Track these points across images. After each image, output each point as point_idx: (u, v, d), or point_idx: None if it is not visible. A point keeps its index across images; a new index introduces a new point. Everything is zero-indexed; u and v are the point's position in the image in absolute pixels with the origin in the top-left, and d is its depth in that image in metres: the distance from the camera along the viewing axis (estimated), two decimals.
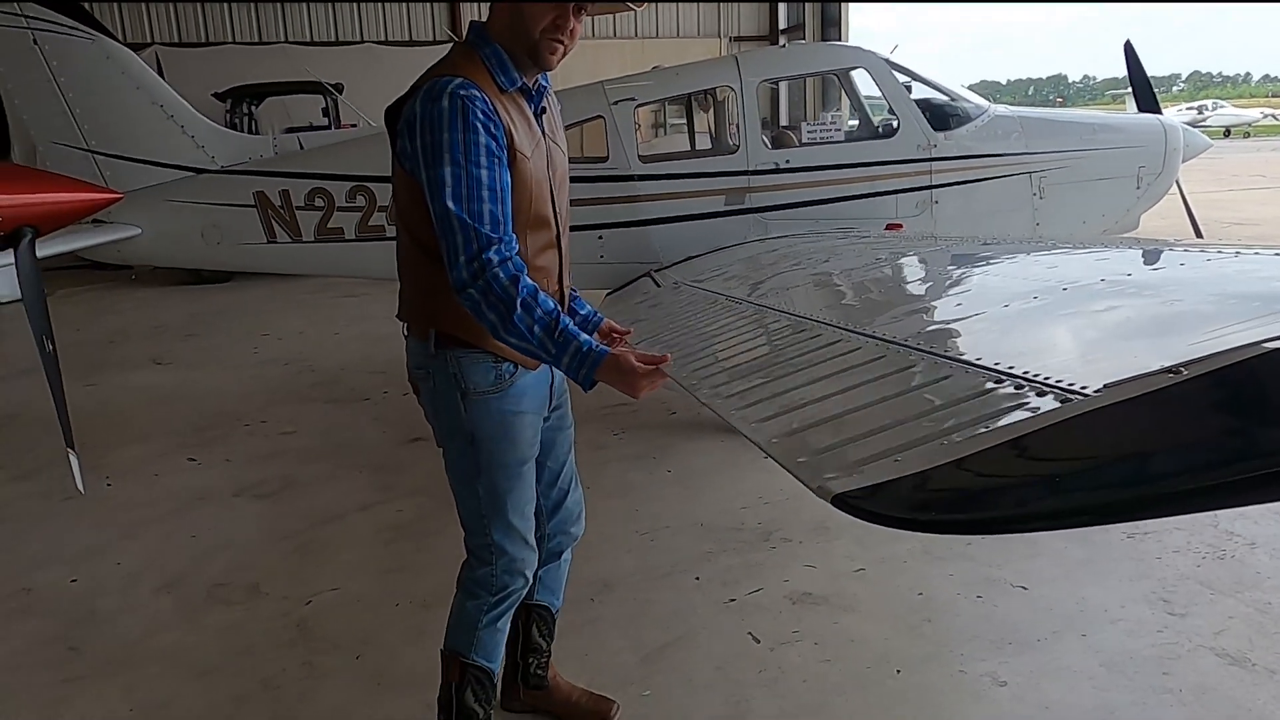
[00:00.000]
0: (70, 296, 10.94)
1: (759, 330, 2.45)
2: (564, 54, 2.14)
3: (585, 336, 1.99)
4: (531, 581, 2.42)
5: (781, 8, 17.49)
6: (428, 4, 15.88)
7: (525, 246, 2.14)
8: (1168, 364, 1.28)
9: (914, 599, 3.31)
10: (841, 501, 1.24)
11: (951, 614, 3.20)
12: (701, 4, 17.35)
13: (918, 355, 1.70)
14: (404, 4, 15.79)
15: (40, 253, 3.65)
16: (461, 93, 1.98)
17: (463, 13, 15.74)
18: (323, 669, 3.05)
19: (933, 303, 2.37)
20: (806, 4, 16.60)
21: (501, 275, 1.94)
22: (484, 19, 2.18)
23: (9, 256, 3.59)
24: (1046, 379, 1.40)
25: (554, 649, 2.75)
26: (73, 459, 3.47)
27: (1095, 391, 1.31)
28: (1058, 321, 1.86)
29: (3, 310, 9.19)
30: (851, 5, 16.41)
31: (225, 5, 14.91)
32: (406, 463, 5.01)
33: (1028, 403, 1.34)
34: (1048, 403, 1.32)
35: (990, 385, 1.45)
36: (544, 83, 2.24)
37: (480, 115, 1.98)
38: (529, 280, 1.98)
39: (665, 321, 3.14)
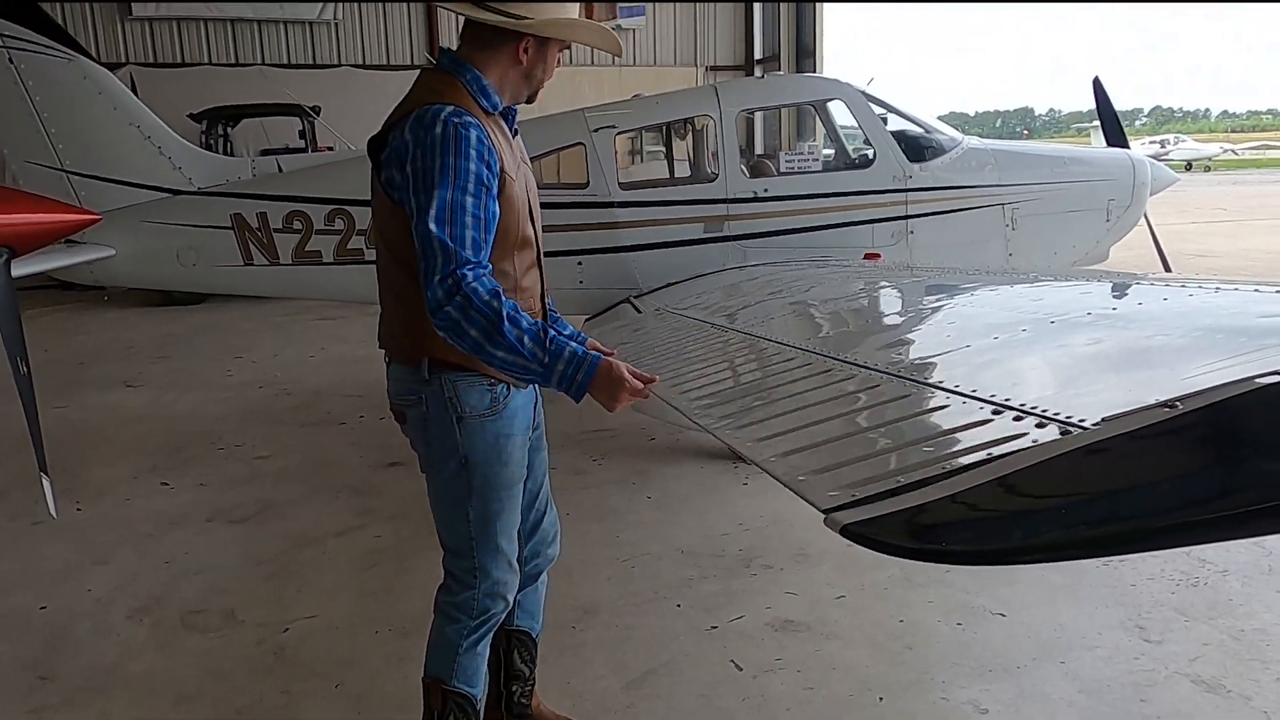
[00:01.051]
0: (40, 317, 10.78)
1: (749, 359, 2.47)
2: None
3: (576, 345, 2.00)
4: (511, 605, 2.42)
5: (757, 40, 17.74)
6: (406, 27, 15.93)
7: (514, 267, 2.18)
8: (1162, 398, 1.31)
9: (895, 626, 3.33)
10: (850, 533, 1.26)
11: (932, 641, 3.22)
12: (678, 32, 17.56)
13: (912, 386, 1.73)
14: (382, 27, 15.83)
15: (13, 273, 3.62)
16: (455, 119, 2.00)
17: (440, 35, 15.80)
18: (301, 696, 3.01)
19: (921, 334, 2.42)
20: (782, 3, 16.75)
21: (480, 289, 1.91)
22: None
23: None
24: (1045, 411, 1.43)
25: (537, 675, 2.74)
26: (45, 483, 3.40)
27: (1094, 424, 1.34)
28: (1049, 354, 1.89)
29: None
30: (825, 35, 16.66)
31: (201, 26, 14.85)
32: (384, 487, 4.98)
33: (1028, 434, 1.37)
34: (1049, 435, 1.35)
35: (989, 416, 1.47)
36: (513, 106, 2.30)
37: (474, 142, 2.00)
38: (510, 299, 1.98)
39: (651, 347, 3.15)
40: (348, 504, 4.74)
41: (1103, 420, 1.34)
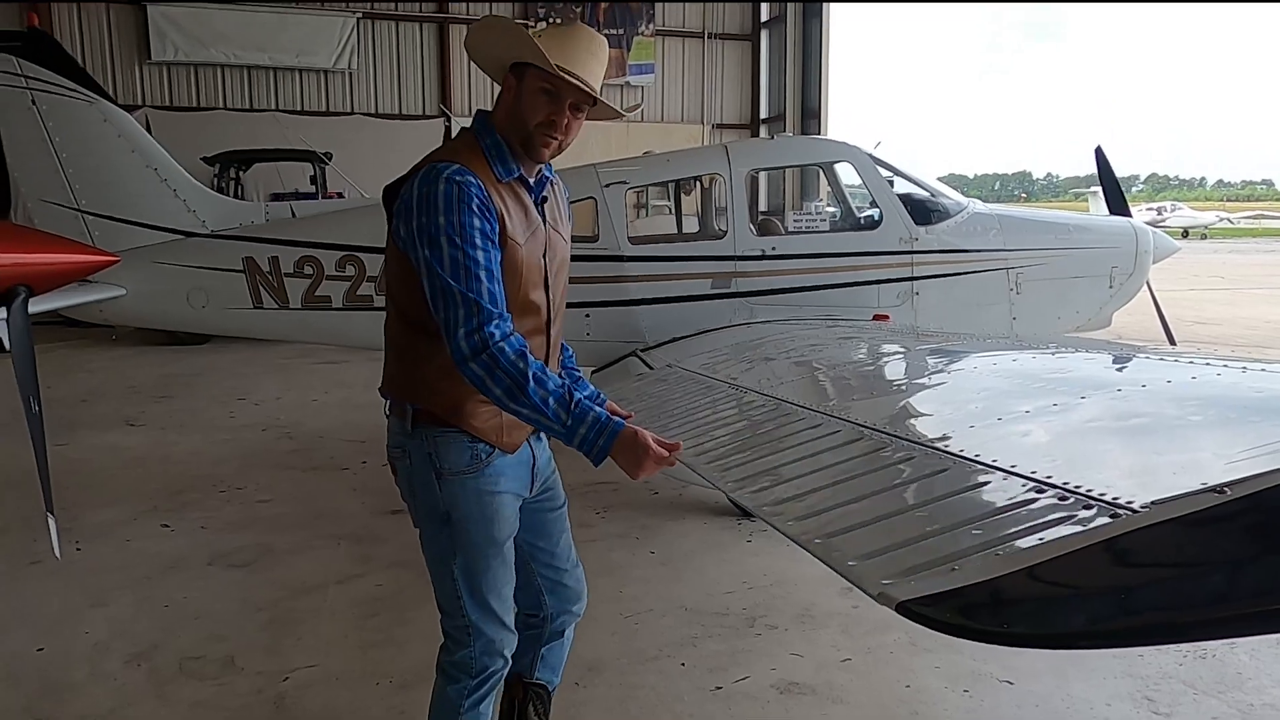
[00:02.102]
0: (43, 353, 10.73)
1: (776, 424, 2.47)
2: (558, 149, 2.23)
3: (600, 410, 2.03)
4: (508, 661, 2.39)
5: (763, 100, 18.06)
6: (419, 78, 16.20)
7: None
8: (1210, 483, 1.32)
9: (901, 691, 3.29)
10: (905, 609, 1.25)
11: (940, 708, 3.19)
12: (686, 90, 17.90)
13: (949, 459, 1.73)
14: (396, 78, 16.09)
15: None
16: (457, 178, 2.06)
17: (453, 87, 16.07)
18: None
19: (950, 404, 2.41)
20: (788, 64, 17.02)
21: (508, 349, 1.98)
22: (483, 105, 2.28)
23: None
24: (1089, 491, 1.43)
25: None
26: (51, 523, 3.39)
27: (1142, 508, 1.34)
28: (1083, 430, 1.90)
29: None
30: (830, 96, 16.95)
31: (218, 71, 15.11)
32: (385, 534, 4.94)
33: (1075, 515, 1.37)
34: (1097, 517, 1.35)
35: (1032, 494, 1.47)
36: (547, 173, 2.33)
37: (474, 200, 2.05)
38: (533, 356, 2.02)
39: (669, 408, 3.15)
40: (348, 551, 4.71)
41: (1152, 504, 1.34)
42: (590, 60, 2.17)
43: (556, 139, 2.18)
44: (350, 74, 15.72)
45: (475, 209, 2.04)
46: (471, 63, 2.28)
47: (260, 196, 12.64)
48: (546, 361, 2.33)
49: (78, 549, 4.70)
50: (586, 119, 2.25)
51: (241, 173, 13.01)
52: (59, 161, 6.03)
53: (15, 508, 5.17)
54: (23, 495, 4.91)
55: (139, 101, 14.40)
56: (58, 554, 3.36)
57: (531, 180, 2.26)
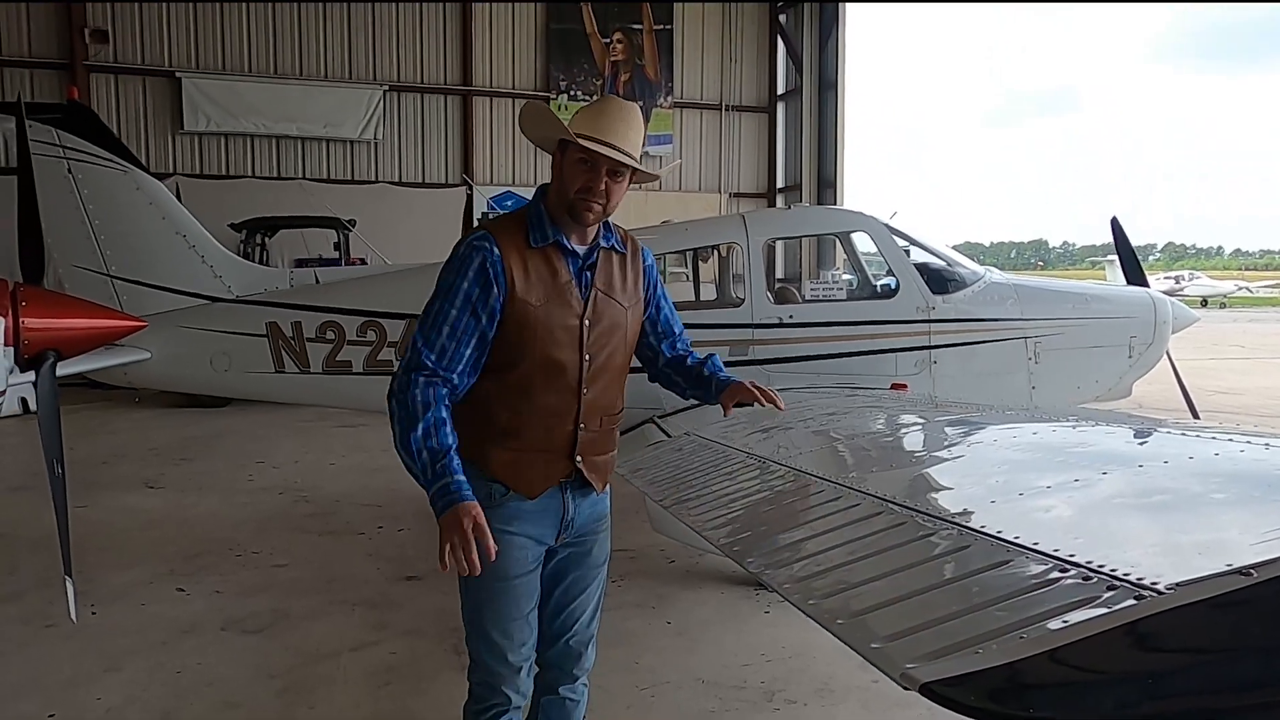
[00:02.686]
0: (66, 415, 10.84)
1: (793, 496, 2.46)
2: (602, 213, 2.33)
3: (460, 480, 2.15)
4: (514, 701, 2.44)
5: (779, 169, 18.33)
6: (443, 148, 16.54)
7: (533, 385, 2.31)
8: (1236, 564, 1.30)
9: None
10: (929, 691, 1.24)
11: None
12: (704, 159, 18.21)
13: (970, 536, 1.72)
14: (420, 148, 16.45)
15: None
16: (474, 243, 2.26)
17: (476, 159, 16.39)
18: None
19: (969, 476, 2.40)
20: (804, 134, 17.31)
21: (418, 395, 2.18)
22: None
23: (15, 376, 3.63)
24: (1113, 571, 1.42)
25: None
26: (69, 587, 3.39)
27: (1167, 589, 1.33)
28: (1105, 507, 1.88)
29: None
30: (846, 166, 17.20)
31: (247, 141, 15.51)
32: (400, 601, 4.91)
33: (1100, 596, 1.36)
34: (1121, 598, 1.34)
35: (1055, 574, 1.46)
36: (603, 242, 2.40)
37: (475, 265, 2.23)
38: (442, 413, 2.19)
39: (688, 479, 3.14)
40: (363, 618, 4.68)
41: (1177, 585, 1.33)
42: (623, 127, 2.29)
43: (598, 204, 2.29)
44: (376, 144, 16.09)
45: (471, 273, 2.23)
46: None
47: (285, 262, 12.86)
48: (577, 421, 2.37)
49: (93, 612, 4.69)
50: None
51: (267, 239, 13.24)
52: (91, 228, 6.18)
53: (33, 570, 5.18)
54: (41, 557, 4.92)
55: (171, 170, 14.77)
56: (73, 618, 3.36)
57: (580, 248, 2.36)
